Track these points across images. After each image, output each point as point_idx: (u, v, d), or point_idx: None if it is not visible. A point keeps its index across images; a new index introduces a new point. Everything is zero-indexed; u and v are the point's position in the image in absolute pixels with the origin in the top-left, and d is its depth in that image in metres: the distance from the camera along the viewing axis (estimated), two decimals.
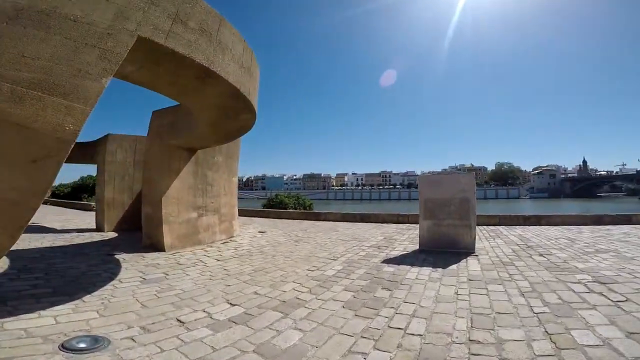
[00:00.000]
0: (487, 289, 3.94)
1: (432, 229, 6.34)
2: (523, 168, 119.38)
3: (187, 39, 3.13)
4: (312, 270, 5.06)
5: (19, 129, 2.01)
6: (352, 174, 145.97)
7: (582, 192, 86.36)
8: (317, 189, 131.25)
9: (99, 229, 10.30)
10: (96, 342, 2.48)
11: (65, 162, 10.33)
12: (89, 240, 8.18)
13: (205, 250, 6.85)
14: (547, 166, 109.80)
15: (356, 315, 3.20)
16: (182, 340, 2.62)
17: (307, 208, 24.51)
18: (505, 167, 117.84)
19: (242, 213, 16.58)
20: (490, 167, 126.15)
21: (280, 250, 6.83)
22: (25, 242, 7.58)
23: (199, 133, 6.09)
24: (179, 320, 3.04)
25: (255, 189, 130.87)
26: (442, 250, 6.10)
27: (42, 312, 3.15)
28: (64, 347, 2.36)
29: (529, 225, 10.25)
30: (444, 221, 6.21)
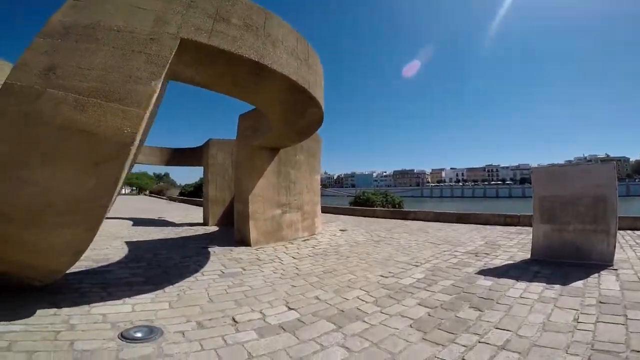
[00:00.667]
0: (625, 315, 2.79)
1: (551, 235, 4.97)
2: None
3: (232, 36, 3.09)
4: (386, 277, 4.52)
5: (84, 135, 2.24)
6: (451, 168, 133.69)
7: None
8: (410, 185, 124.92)
9: (205, 223, 11.84)
10: (151, 333, 2.60)
11: (179, 165, 12.04)
12: (193, 234, 9.41)
13: (285, 247, 7.00)
14: None
15: (424, 338, 2.59)
16: (226, 342, 2.55)
17: (397, 206, 23.29)
18: None
19: (329, 210, 16.83)
20: (635, 157, 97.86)
21: (357, 251, 6.44)
22: (148, 234, 9.22)
23: (274, 131, 6.22)
24: (233, 319, 3.01)
25: (345, 187, 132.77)
26: (563, 261, 4.70)
27: (127, 300, 3.47)
28: (122, 336, 2.54)
29: None
30: (569, 225, 4.79)
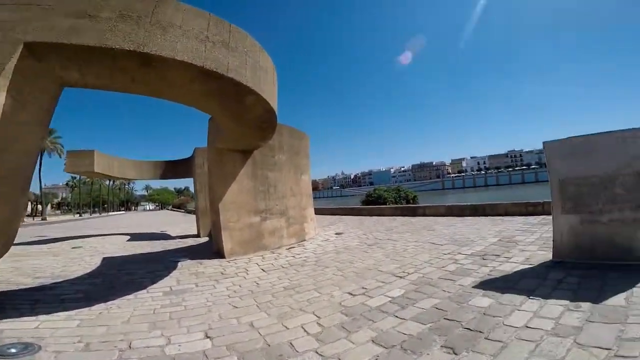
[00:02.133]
0: None
1: (578, 229, 3.76)
2: None
3: (98, 30, 2.76)
4: (354, 295, 3.53)
5: None
6: (471, 157, 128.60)
7: None
8: (430, 178, 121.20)
9: (197, 235, 11.19)
10: (25, 349, 2.48)
11: (175, 178, 11.29)
12: (179, 246, 8.75)
13: (262, 258, 6.14)
14: None
15: None
16: None
17: (411, 201, 22.00)
18: None
19: (333, 212, 15.85)
20: None
21: (340, 259, 5.46)
22: (135, 248, 8.65)
23: (226, 130, 5.44)
24: (129, 345, 2.56)
25: (363, 185, 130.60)
26: (596, 263, 3.50)
27: (42, 317, 3.23)
28: None
29: None
30: (602, 215, 3.59)
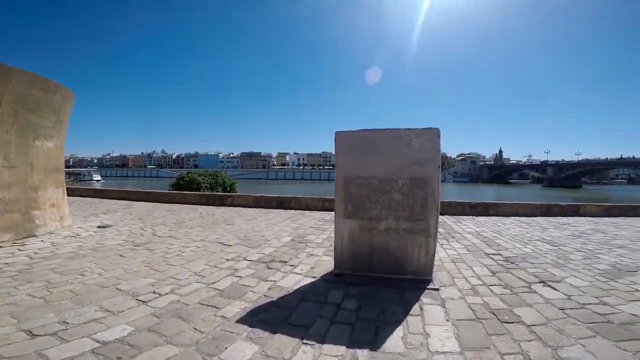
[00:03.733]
0: None
1: (357, 236, 3.34)
2: (448, 154, 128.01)
3: None
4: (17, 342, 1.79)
5: None
6: (294, 153, 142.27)
7: (497, 178, 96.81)
8: (257, 168, 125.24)
9: None
10: None
11: None
12: None
13: None
14: (469, 154, 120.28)
15: None
16: None
17: (228, 189, 20.79)
18: None
19: (121, 197, 12.27)
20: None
21: (68, 269, 3.41)
22: None
23: None
24: None
25: (187, 167, 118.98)
26: (375, 276, 3.27)
27: None
28: None
29: (477, 216, 8.34)
30: (380, 222, 3.25)
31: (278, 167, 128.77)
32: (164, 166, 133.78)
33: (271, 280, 3.32)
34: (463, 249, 4.42)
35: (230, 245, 4.85)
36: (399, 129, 3.06)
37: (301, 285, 3.22)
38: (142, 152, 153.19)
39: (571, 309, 2.44)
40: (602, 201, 15.74)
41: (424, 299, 2.73)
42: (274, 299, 2.84)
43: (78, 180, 59.53)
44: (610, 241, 4.79)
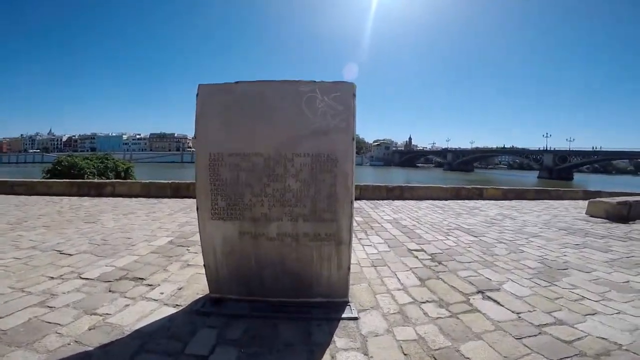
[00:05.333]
0: None
1: (239, 246, 2.14)
2: (366, 140, 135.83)
3: None
4: None
5: None
6: None
7: (406, 162, 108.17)
8: (169, 150, 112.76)
9: None
10: None
11: None
12: None
13: None
14: (384, 139, 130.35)
15: None
16: None
17: (122, 174, 17.47)
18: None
19: None
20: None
21: None
22: None
23: None
24: None
25: (82, 151, 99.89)
26: (272, 302, 2.19)
27: None
28: None
29: (394, 200, 8.11)
30: (270, 224, 2.08)
31: (194, 149, 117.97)
32: (51, 150, 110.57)
33: (101, 314, 2.02)
34: (384, 245, 3.72)
35: (71, 255, 3.28)
36: (298, 81, 1.97)
37: (151, 320, 2.02)
38: (22, 135, 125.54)
39: (529, 336, 1.81)
40: (489, 183, 18.04)
41: (338, 338, 1.81)
42: (89, 349, 1.58)
43: None
44: (523, 229, 4.75)
